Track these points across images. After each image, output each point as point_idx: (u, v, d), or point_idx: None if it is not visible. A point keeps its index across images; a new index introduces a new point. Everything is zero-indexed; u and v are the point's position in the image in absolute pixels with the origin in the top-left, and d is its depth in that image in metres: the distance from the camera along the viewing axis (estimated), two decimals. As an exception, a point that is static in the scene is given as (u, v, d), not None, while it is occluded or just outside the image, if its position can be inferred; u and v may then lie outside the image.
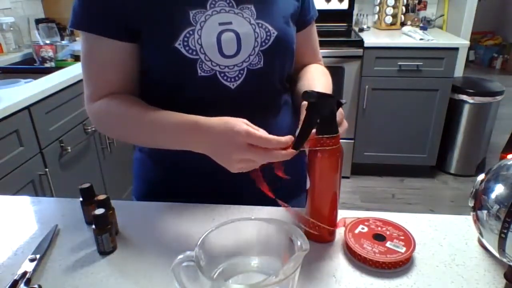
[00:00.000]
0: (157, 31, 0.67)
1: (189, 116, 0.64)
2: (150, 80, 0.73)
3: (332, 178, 0.61)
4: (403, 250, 0.59)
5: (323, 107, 0.56)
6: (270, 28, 0.71)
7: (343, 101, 0.59)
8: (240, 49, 0.69)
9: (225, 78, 0.70)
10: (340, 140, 0.59)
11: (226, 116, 0.61)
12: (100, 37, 0.67)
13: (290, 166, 0.65)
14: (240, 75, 0.70)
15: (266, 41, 0.71)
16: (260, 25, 0.71)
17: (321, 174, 0.60)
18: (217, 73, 0.69)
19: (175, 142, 0.66)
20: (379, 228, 0.65)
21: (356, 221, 0.66)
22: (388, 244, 0.61)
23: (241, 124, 0.58)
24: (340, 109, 0.61)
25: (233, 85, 0.70)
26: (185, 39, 0.66)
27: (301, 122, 0.59)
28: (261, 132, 0.58)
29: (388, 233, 0.63)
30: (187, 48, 0.66)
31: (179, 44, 0.66)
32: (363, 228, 0.65)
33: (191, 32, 0.66)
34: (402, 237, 0.62)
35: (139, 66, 0.72)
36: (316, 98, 0.55)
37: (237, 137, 0.57)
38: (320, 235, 0.63)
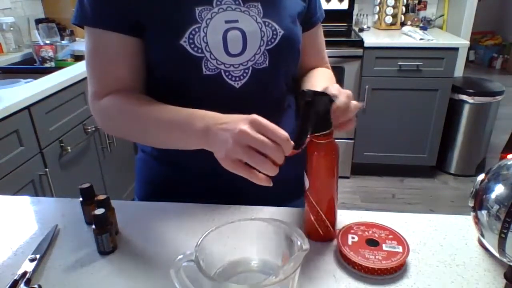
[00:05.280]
0: (162, 27, 0.66)
1: (196, 111, 0.61)
2: (154, 78, 0.72)
3: (329, 177, 0.61)
4: (399, 248, 0.59)
5: (319, 105, 0.56)
6: (277, 27, 0.70)
7: (337, 99, 0.59)
8: (246, 48, 0.69)
9: (229, 77, 0.69)
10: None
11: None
12: (107, 32, 0.66)
13: (291, 167, 0.64)
14: (245, 74, 0.70)
15: (272, 40, 0.70)
16: (266, 23, 0.70)
17: (317, 173, 0.60)
18: (222, 71, 0.68)
19: (180, 140, 0.63)
20: (366, 233, 0.63)
21: (343, 231, 0.63)
22: (384, 247, 0.60)
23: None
24: (348, 91, 0.61)
25: (237, 84, 0.70)
26: (191, 36, 0.65)
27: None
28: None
29: (376, 235, 0.62)
30: (192, 45, 0.65)
31: (185, 42, 0.65)
32: (353, 238, 0.62)
33: (196, 30, 0.65)
34: (391, 236, 0.62)
35: (146, 62, 0.71)
36: (312, 96, 0.56)
37: (243, 121, 0.54)
38: (320, 234, 0.63)
